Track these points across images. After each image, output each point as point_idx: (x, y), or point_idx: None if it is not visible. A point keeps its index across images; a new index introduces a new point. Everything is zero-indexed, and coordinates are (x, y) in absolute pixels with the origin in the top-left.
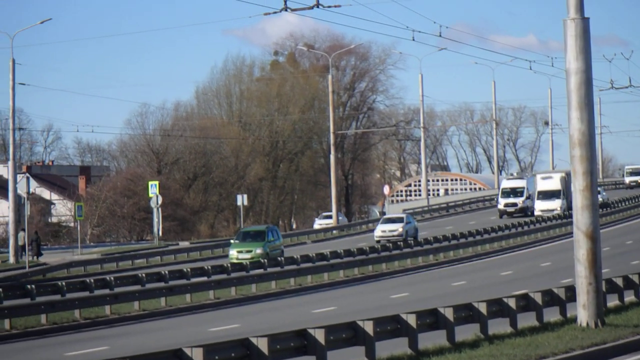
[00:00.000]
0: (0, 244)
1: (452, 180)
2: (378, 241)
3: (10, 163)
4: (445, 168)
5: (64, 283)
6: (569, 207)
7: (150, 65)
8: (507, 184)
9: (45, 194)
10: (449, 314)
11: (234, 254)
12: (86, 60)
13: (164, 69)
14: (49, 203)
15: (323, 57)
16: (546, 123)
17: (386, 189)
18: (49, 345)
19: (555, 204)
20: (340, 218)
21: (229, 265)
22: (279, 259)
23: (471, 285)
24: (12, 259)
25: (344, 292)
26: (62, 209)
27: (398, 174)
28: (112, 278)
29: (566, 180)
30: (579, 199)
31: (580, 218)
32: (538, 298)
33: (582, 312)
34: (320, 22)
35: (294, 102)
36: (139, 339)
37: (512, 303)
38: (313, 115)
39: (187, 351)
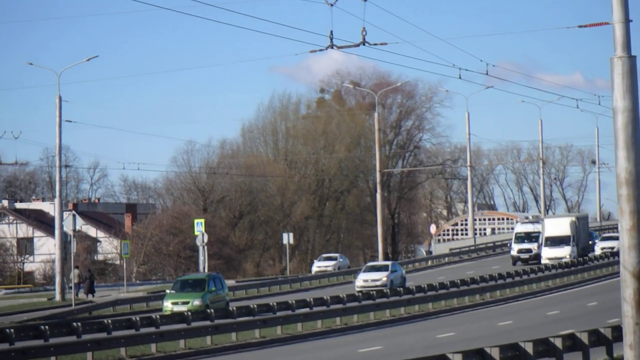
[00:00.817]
0: (47, 281)
1: (498, 219)
2: (360, 292)
3: (56, 200)
4: (492, 207)
5: (109, 321)
6: (580, 254)
7: (197, 103)
8: (521, 228)
9: (92, 231)
10: (495, 353)
11: (168, 305)
12: (132, 98)
13: (210, 106)
14: (95, 241)
15: (369, 94)
16: (593, 162)
17: (433, 228)
18: None
19: (565, 251)
20: (341, 260)
21: (274, 304)
22: (324, 297)
23: (517, 325)
24: (58, 297)
25: (389, 332)
26: (108, 246)
27: (445, 212)
28: (158, 316)
29: (577, 225)
30: (625, 239)
31: (627, 258)
32: (584, 338)
33: (629, 352)
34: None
35: (340, 139)
36: None
37: (558, 343)
38: (359, 153)
39: None
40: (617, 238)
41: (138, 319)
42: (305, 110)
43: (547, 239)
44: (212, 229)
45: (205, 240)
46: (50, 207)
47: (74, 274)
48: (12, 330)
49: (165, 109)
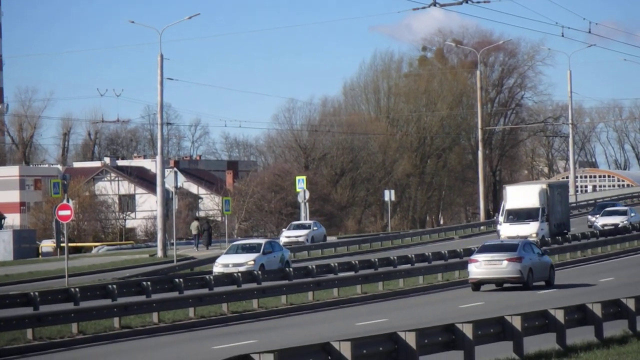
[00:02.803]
0: (149, 238)
1: (600, 177)
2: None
3: (158, 158)
4: (594, 165)
5: (211, 277)
6: (554, 231)
7: (298, 61)
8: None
9: (193, 188)
10: (597, 309)
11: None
12: (234, 56)
13: (312, 65)
14: (197, 198)
15: (471, 53)
16: None
17: None
18: (196, 338)
19: (530, 229)
20: (315, 229)
21: (376, 260)
22: (426, 254)
23: (619, 282)
24: (160, 253)
25: (491, 288)
26: (210, 203)
27: (546, 170)
28: (259, 272)
29: (548, 195)
30: None
31: None
32: None
33: None
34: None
35: (442, 98)
36: (286, 333)
37: None
38: (461, 111)
39: (335, 345)
40: (623, 213)
41: (239, 275)
42: (407, 68)
43: (509, 212)
44: (314, 186)
45: (307, 197)
46: (151, 165)
47: (193, 226)
48: (114, 286)
49: (267, 67)
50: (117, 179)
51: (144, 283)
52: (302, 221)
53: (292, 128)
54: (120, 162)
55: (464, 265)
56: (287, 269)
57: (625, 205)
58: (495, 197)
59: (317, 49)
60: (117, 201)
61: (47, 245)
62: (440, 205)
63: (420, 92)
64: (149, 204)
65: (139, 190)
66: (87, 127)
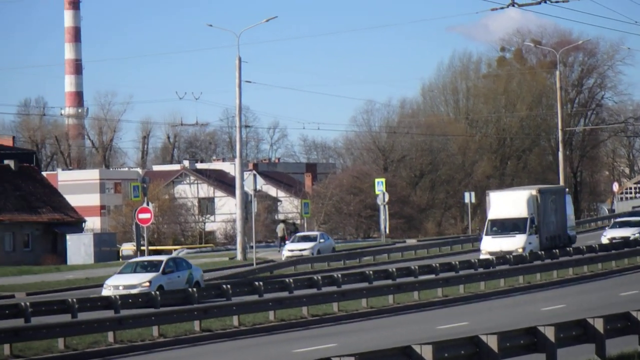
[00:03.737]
0: (228, 240)
1: None
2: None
3: (237, 160)
4: None
5: (291, 280)
6: (546, 245)
7: (376, 62)
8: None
9: (272, 191)
10: None
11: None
12: (311, 58)
13: (389, 66)
14: (276, 200)
15: (550, 53)
16: None
17: (615, 187)
18: (276, 342)
19: (516, 242)
20: (322, 241)
21: (457, 263)
22: (507, 256)
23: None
24: (239, 256)
25: (572, 290)
26: (289, 206)
27: (627, 170)
28: (340, 275)
29: (538, 203)
30: None
31: None
32: None
33: None
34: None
35: (521, 98)
36: (367, 337)
37: None
38: (540, 112)
39: (417, 349)
40: (637, 224)
41: (320, 278)
42: (486, 69)
43: (493, 223)
44: (393, 188)
45: (386, 199)
46: (230, 167)
47: (280, 228)
48: (194, 289)
49: (344, 69)
50: (196, 182)
51: (224, 286)
52: (307, 232)
53: (370, 130)
54: (199, 165)
55: (545, 268)
56: (190, 289)
57: None
58: (576, 199)
59: (394, 50)
60: (197, 204)
61: (127, 248)
62: None
63: (499, 92)
64: (228, 207)
65: (218, 193)
66: (166, 130)
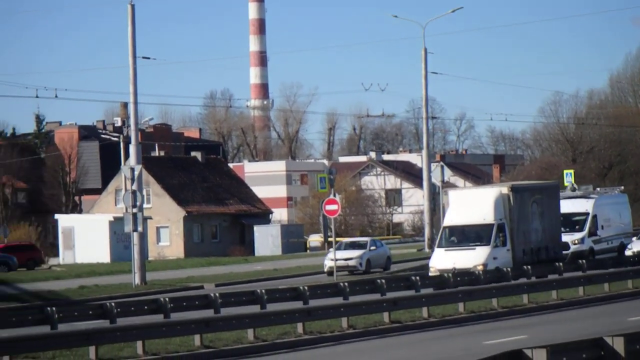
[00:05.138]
0: (416, 232)
1: None
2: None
3: (424, 152)
4: None
5: (480, 272)
6: (517, 259)
7: (564, 54)
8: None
9: (460, 182)
10: None
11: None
12: (497, 48)
13: (577, 57)
14: None
15: None
16: None
17: None
18: (466, 333)
19: (475, 258)
20: (373, 249)
21: None
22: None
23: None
24: (427, 248)
25: None
26: None
27: None
28: (529, 267)
29: (511, 205)
30: None
31: None
32: None
33: None
34: None
35: None
36: (557, 328)
37: None
38: None
39: (608, 340)
40: None
41: (509, 269)
42: None
43: (449, 231)
44: (581, 179)
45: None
46: (417, 159)
47: None
48: (383, 280)
49: (530, 60)
50: (383, 173)
51: (413, 278)
52: (356, 238)
53: (558, 121)
54: (385, 157)
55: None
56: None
57: None
58: None
59: (580, 42)
60: (384, 195)
61: (314, 239)
62: None
63: None
64: (415, 199)
65: (405, 184)
66: (352, 121)
